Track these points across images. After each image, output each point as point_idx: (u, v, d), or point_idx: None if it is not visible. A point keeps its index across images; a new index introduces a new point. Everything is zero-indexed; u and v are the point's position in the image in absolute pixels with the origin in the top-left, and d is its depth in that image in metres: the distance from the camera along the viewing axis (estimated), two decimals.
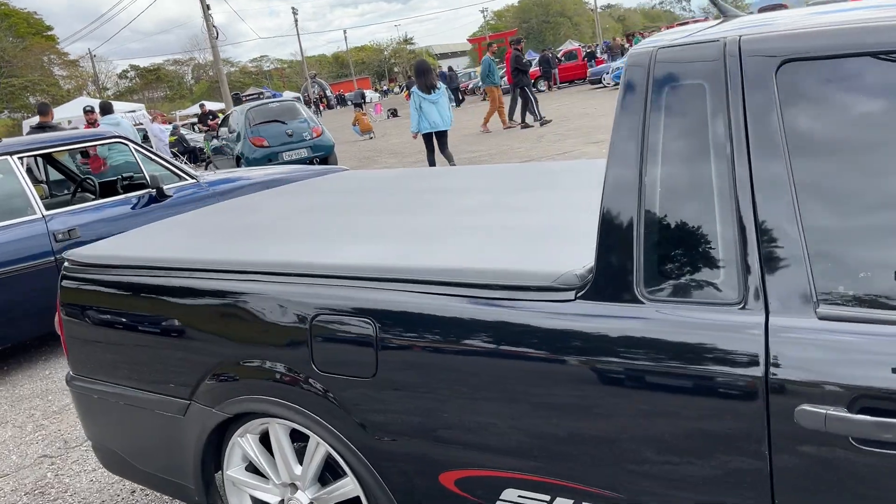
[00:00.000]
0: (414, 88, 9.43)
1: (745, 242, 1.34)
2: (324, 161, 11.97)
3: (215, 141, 14.49)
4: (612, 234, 1.47)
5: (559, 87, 28.91)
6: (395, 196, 2.69)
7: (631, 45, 31.15)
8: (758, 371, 1.29)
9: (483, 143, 13.89)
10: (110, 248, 2.44)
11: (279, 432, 2.02)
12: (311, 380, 1.84)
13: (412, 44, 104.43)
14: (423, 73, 9.36)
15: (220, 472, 2.24)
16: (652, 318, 1.41)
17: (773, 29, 1.43)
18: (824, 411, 1.23)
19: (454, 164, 9.62)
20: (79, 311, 2.35)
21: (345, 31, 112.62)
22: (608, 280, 1.47)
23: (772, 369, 1.28)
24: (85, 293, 2.33)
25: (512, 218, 2.08)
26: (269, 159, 11.60)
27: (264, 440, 2.11)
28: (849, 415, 1.21)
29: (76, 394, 2.46)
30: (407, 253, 1.87)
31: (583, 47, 35.02)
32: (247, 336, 1.93)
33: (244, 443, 2.10)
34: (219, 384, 2.02)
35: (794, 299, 1.29)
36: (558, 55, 30.80)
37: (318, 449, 1.94)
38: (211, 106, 27.90)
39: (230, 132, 12.95)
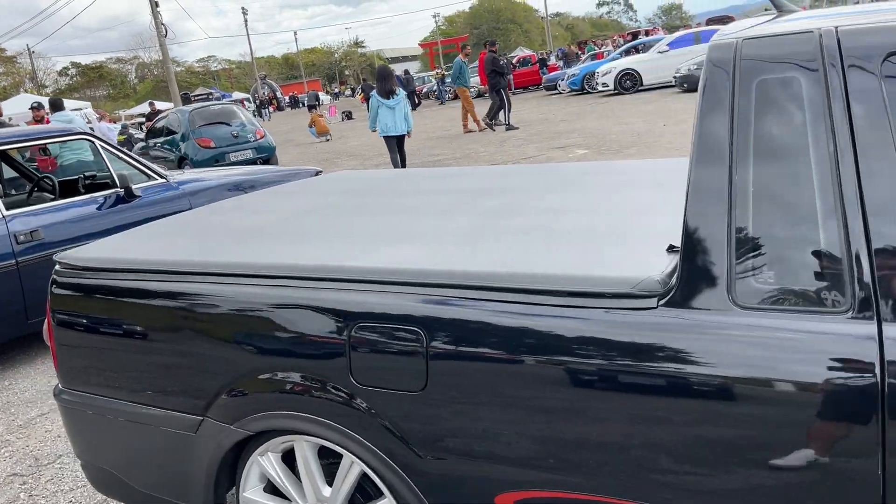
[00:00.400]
0: (373, 93, 9.61)
1: (853, 246, 1.25)
2: (266, 162, 12.03)
3: (142, 143, 13.90)
4: (699, 237, 1.37)
5: (514, 93, 29.04)
6: (408, 197, 2.55)
7: (584, 53, 31.56)
8: (871, 380, 1.21)
9: (446, 147, 13.79)
10: (108, 249, 2.24)
11: (307, 450, 1.86)
12: (348, 393, 1.69)
13: (363, 47, 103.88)
14: (383, 78, 9.52)
15: (230, 492, 2.06)
16: (747, 325, 1.31)
17: (870, 21, 1.35)
18: None
19: (406, 166, 9.93)
20: (72, 319, 2.14)
21: (295, 33, 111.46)
22: (696, 286, 1.37)
23: (889, 379, 1.20)
24: (80, 299, 2.13)
25: (547, 220, 1.97)
26: (216, 160, 11.59)
27: (286, 458, 1.95)
28: None
29: (66, 409, 2.24)
30: (449, 256, 1.74)
31: (537, 54, 35.28)
32: (274, 347, 1.78)
33: (265, 462, 1.94)
34: (239, 399, 1.85)
35: None
36: (513, 61, 30.93)
37: (353, 468, 1.79)
38: (161, 106, 27.14)
39: (166, 134, 12.71)
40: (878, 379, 1.20)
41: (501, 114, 15.32)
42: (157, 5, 28.94)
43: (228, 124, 12.16)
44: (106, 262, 2.12)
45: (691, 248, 1.38)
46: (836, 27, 1.36)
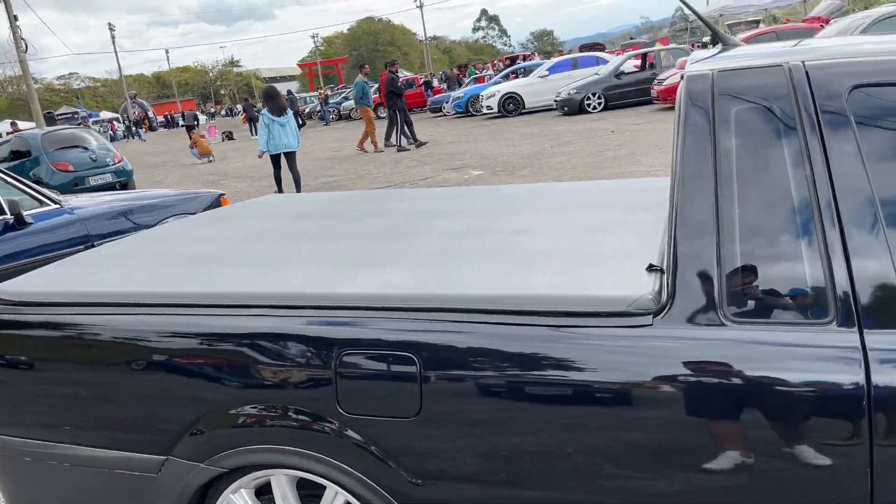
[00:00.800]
0: (264, 111, 9.86)
1: (833, 260, 1.37)
2: (124, 186, 11.89)
3: None
4: (689, 257, 1.45)
5: (380, 117, 29.27)
6: (360, 220, 2.53)
7: (465, 76, 32.27)
8: (857, 387, 1.32)
9: (338, 168, 13.69)
10: (48, 281, 2.08)
11: (285, 484, 1.80)
12: (334, 423, 1.65)
13: (239, 66, 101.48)
14: (272, 97, 9.90)
15: None
16: (740, 340, 1.40)
17: (835, 57, 1.50)
18: None
19: (301, 185, 10.19)
20: (7, 358, 1.97)
21: (167, 51, 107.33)
22: (689, 303, 1.45)
23: (873, 384, 1.31)
24: (16, 337, 1.96)
25: (514, 242, 2.01)
26: (76, 184, 11.31)
27: (259, 493, 1.88)
28: None
29: None
30: (433, 280, 1.74)
31: (420, 76, 35.73)
32: (250, 379, 1.71)
33: (237, 499, 1.85)
34: (209, 435, 1.77)
35: (888, 314, 1.33)
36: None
37: (337, 499, 1.75)
38: (23, 125, 25.35)
39: (13, 158, 12.10)
40: (864, 382, 1.32)
41: (395, 134, 15.39)
42: (16, 18, 27.11)
43: (85, 148, 11.96)
44: (49, 295, 1.97)
45: (682, 268, 1.46)
46: (803, 61, 1.49)
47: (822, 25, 16.48)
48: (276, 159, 10.01)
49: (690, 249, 1.46)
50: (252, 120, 25.62)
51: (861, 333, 1.34)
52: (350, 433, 1.64)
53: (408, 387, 1.59)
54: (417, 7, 68.97)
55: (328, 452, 1.68)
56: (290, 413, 1.69)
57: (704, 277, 1.44)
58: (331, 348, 1.64)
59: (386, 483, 1.65)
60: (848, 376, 1.32)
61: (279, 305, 1.72)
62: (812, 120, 1.43)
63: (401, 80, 15.83)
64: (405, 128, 15.44)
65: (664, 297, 1.48)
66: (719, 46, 1.96)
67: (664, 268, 1.54)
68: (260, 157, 10.11)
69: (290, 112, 9.93)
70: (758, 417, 1.38)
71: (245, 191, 12.01)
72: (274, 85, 11.55)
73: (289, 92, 31.98)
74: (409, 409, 1.59)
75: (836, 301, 1.36)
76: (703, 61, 1.66)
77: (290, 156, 9.96)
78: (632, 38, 40.31)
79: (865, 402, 1.31)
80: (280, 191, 10.09)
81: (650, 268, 1.63)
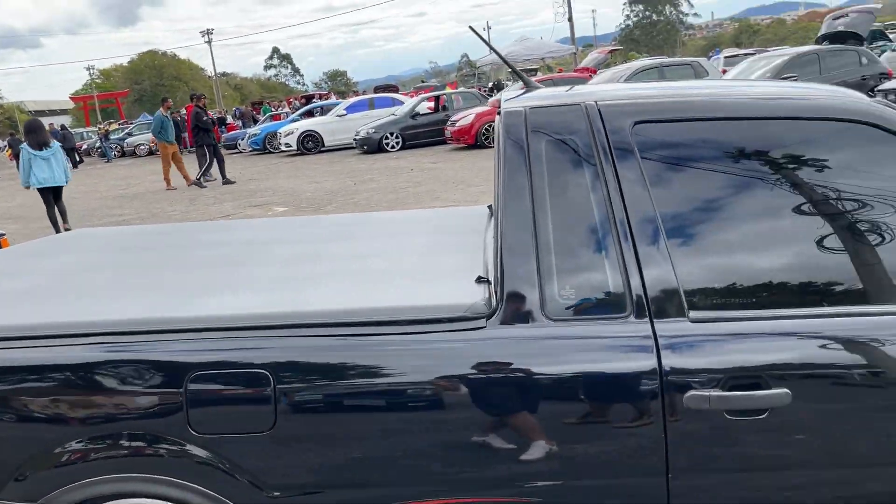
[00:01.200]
0: (23, 146, 9.67)
1: (628, 264, 1.66)
2: None
3: None
4: (514, 267, 1.68)
5: (189, 151, 28.13)
6: (185, 250, 2.52)
7: (259, 113, 31.78)
8: (652, 367, 1.61)
9: (128, 206, 12.90)
10: None
11: None
12: (187, 445, 1.67)
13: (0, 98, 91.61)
14: (33, 130, 9.70)
15: None
16: (557, 335, 1.65)
17: (621, 97, 1.82)
18: (708, 393, 1.58)
19: (67, 218, 10.01)
20: None
21: None
22: (515, 306, 1.67)
23: (663, 364, 1.60)
24: None
25: (349, 265, 2.14)
26: None
27: None
28: (725, 393, 1.58)
29: None
30: (281, 300, 1.83)
31: (213, 112, 34.58)
32: (92, 410, 1.68)
33: None
34: (45, 473, 1.69)
35: (671, 307, 1.64)
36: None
37: None
38: None
39: None
40: (657, 363, 1.61)
41: (211, 170, 14.78)
42: None
43: None
44: None
45: (508, 278, 1.68)
46: (596, 101, 1.79)
47: (591, 75, 18.49)
48: (45, 195, 9.78)
49: (514, 262, 1.69)
50: (18, 156, 23.34)
51: (652, 323, 1.64)
52: (202, 453, 1.66)
53: (262, 402, 1.65)
54: (206, 42, 66.91)
55: (179, 474, 1.68)
56: (137, 440, 1.67)
57: (527, 285, 1.67)
58: (179, 371, 1.66)
59: (243, 498, 1.68)
60: (644, 356, 1.61)
61: (116, 332, 1.71)
62: (606, 150, 1.73)
63: (207, 114, 15.22)
64: (214, 165, 14.85)
65: (494, 302, 1.69)
66: (520, 88, 2.26)
67: (492, 279, 1.76)
68: (27, 188, 9.84)
69: (54, 145, 9.79)
70: (580, 397, 1.62)
71: (20, 232, 10.93)
72: (38, 119, 11.31)
73: (63, 127, 29.56)
74: (263, 424, 1.65)
75: (632, 298, 1.65)
76: (514, 100, 1.92)
77: (58, 191, 9.84)
78: (423, 82, 42.20)
79: (657, 378, 1.60)
80: (57, 231, 9.40)
81: (479, 279, 1.85)
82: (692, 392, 1.59)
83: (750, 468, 1.64)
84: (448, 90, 26.09)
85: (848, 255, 1.70)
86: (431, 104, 19.53)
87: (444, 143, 17.33)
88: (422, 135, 18.36)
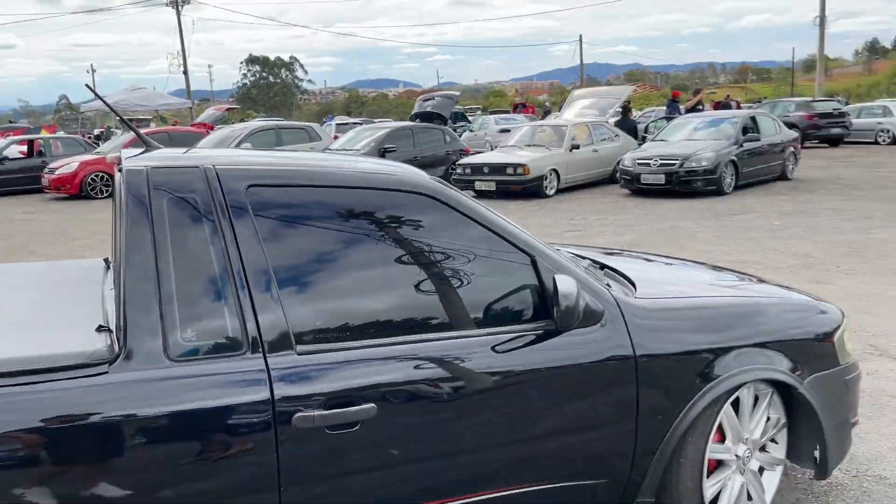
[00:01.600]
0: None
1: (244, 309, 1.90)
2: None
3: None
4: (137, 314, 1.81)
5: None
6: None
7: None
8: (266, 397, 1.86)
9: None
10: None
11: None
12: None
13: None
14: None
15: None
16: (181, 375, 1.81)
17: (234, 163, 2.07)
18: (312, 413, 1.88)
19: None
20: None
21: None
22: (139, 350, 1.79)
23: (276, 394, 1.86)
24: None
25: None
26: None
27: None
28: (324, 412, 1.90)
29: None
30: None
31: None
32: None
33: None
34: None
35: (282, 343, 1.92)
36: None
37: None
38: None
39: None
40: (269, 392, 1.86)
41: None
42: None
43: None
44: None
45: (132, 326, 1.79)
46: (214, 165, 2.02)
47: (207, 131, 18.40)
48: None
49: (136, 310, 1.81)
50: None
51: (265, 358, 1.89)
52: None
53: None
54: None
55: None
56: None
57: (149, 331, 1.81)
58: None
59: None
60: (259, 387, 1.85)
61: None
62: (224, 209, 1.96)
63: None
64: None
65: (117, 349, 1.79)
66: (131, 138, 2.37)
67: (113, 328, 1.85)
68: None
69: None
70: (204, 429, 1.79)
71: None
72: None
73: None
74: None
75: (248, 338, 1.89)
76: (135, 158, 2.06)
77: None
78: (11, 122, 37.05)
79: (270, 405, 1.86)
80: None
81: (100, 328, 1.91)
82: (300, 414, 1.88)
83: (349, 473, 1.97)
84: (45, 133, 23.55)
85: (420, 293, 2.17)
86: (24, 148, 17.47)
87: (40, 191, 15.61)
88: (11, 181, 16.26)
